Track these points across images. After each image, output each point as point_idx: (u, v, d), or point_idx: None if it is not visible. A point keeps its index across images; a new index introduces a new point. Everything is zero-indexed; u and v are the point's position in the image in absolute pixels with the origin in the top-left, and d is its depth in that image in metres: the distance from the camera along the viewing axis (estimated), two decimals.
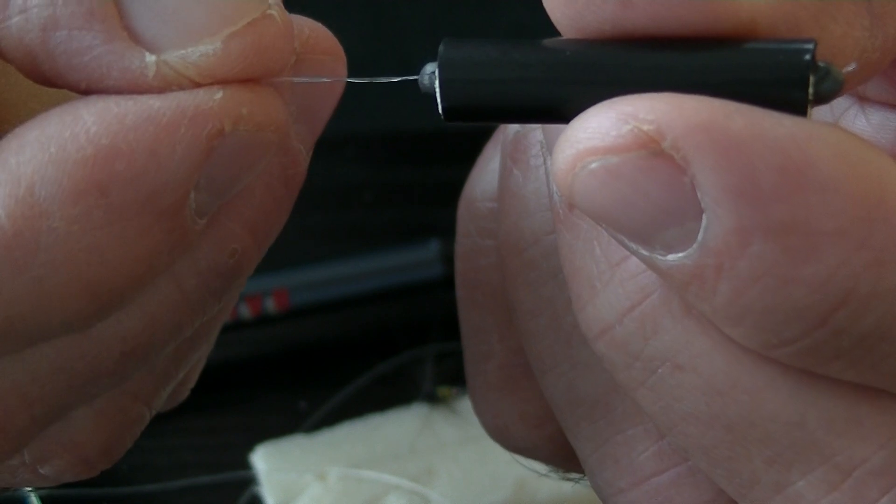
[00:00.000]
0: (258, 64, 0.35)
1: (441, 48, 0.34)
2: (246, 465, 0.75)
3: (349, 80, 0.39)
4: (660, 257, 0.32)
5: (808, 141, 0.30)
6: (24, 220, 0.33)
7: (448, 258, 0.81)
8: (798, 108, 0.31)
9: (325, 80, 0.39)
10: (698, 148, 0.30)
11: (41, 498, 0.71)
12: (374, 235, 0.90)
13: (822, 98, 0.32)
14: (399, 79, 0.37)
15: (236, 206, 0.37)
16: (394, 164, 0.95)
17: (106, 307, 0.35)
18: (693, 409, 0.34)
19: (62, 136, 0.33)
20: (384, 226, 0.90)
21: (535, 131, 0.39)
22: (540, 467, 0.46)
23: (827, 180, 0.30)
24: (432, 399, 0.78)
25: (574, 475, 0.46)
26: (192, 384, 0.44)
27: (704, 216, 0.31)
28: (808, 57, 0.31)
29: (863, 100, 0.41)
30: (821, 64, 0.32)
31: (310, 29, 0.39)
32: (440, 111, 0.34)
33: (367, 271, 0.82)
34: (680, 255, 0.31)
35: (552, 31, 0.34)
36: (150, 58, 0.34)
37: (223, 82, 0.34)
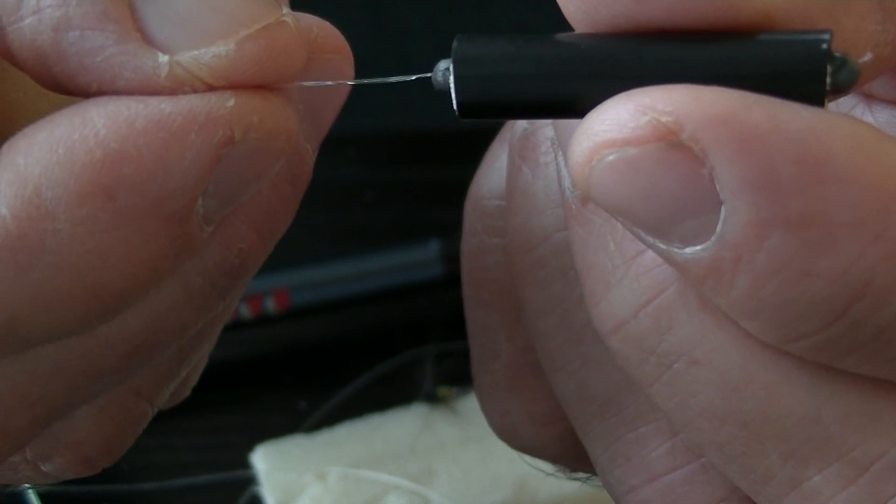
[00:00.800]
0: (271, 68, 0.34)
1: (455, 44, 0.34)
2: (246, 465, 0.75)
3: (359, 82, 0.39)
4: (677, 250, 0.32)
5: (826, 132, 0.30)
6: (29, 221, 0.33)
7: (448, 258, 0.81)
8: (815, 98, 0.31)
9: (334, 83, 0.38)
10: (717, 139, 0.30)
11: (40, 495, 0.71)
12: (375, 235, 0.90)
13: (839, 89, 0.31)
14: (415, 77, 0.36)
15: (243, 205, 0.37)
16: (394, 164, 0.95)
17: (109, 310, 0.35)
18: (708, 405, 0.34)
19: (71, 138, 0.33)
20: (384, 225, 0.90)
21: (544, 129, 0.39)
22: (546, 467, 0.46)
23: (845, 172, 0.30)
24: (432, 399, 0.78)
25: (581, 475, 0.46)
26: (193, 383, 0.44)
27: (723, 208, 0.30)
28: (825, 46, 0.31)
29: (869, 98, 0.41)
30: (837, 54, 0.31)
31: (318, 28, 0.38)
32: (455, 107, 0.34)
33: (367, 271, 0.82)
34: (697, 248, 0.31)
35: (552, 30, 0.33)
36: (163, 58, 0.34)
37: (235, 85, 0.34)
